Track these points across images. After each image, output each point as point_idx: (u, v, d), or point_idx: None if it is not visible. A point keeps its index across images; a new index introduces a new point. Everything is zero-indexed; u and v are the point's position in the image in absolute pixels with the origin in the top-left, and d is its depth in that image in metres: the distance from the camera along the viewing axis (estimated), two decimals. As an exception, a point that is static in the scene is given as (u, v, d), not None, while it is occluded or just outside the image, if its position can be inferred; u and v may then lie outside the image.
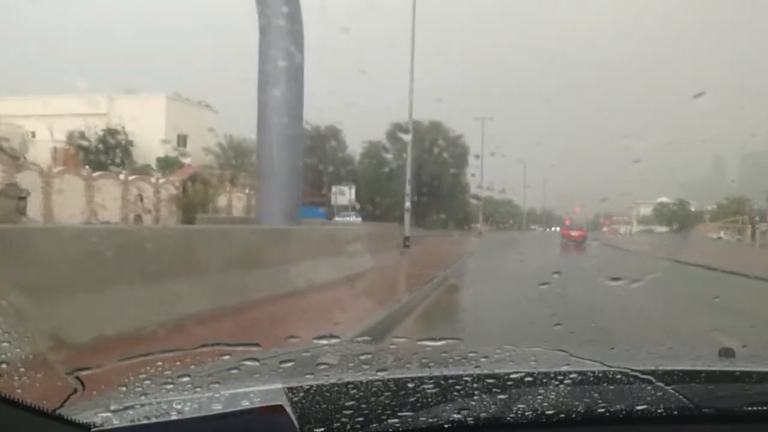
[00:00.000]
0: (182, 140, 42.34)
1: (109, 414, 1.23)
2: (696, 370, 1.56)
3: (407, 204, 25.69)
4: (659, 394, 1.38)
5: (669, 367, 1.51)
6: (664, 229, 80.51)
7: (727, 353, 1.77)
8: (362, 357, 1.71)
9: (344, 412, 1.26)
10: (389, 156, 50.54)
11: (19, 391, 1.33)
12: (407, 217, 25.06)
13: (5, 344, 2.13)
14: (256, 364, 1.66)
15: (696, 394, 1.38)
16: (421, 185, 49.80)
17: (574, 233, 36.47)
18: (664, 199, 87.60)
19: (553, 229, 76.24)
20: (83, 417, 1.19)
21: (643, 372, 1.43)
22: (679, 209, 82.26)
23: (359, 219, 37.30)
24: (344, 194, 38.66)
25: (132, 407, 1.27)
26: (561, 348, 1.72)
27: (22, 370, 1.53)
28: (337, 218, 36.36)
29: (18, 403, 1.02)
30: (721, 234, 59.43)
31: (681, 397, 1.37)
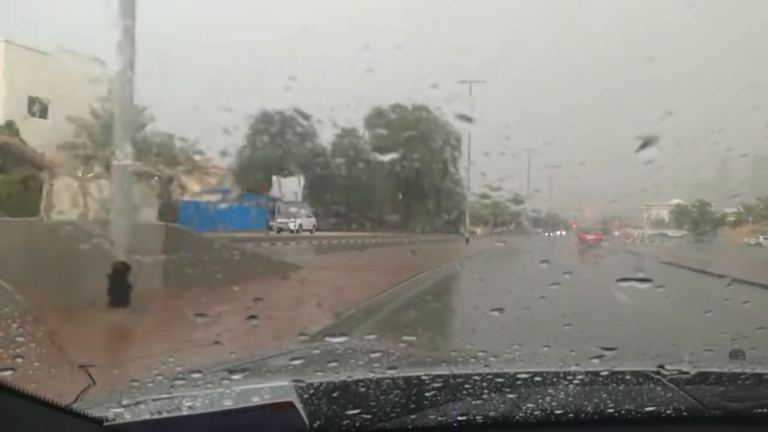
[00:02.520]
0: (40, 105, 28.38)
1: (120, 409, 1.24)
2: (705, 371, 1.54)
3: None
4: (668, 395, 1.37)
5: (678, 368, 1.50)
6: (680, 233, 72.96)
7: (736, 355, 1.76)
8: (372, 355, 1.74)
9: (354, 409, 1.26)
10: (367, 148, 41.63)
11: (33, 385, 1.29)
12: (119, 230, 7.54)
13: (20, 339, 2.15)
14: (267, 360, 1.73)
15: (705, 396, 1.38)
16: (403, 181, 40.68)
17: (590, 237, 40.51)
18: (680, 201, 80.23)
19: (559, 233, 67.69)
20: (95, 411, 1.20)
21: (652, 373, 1.44)
22: (699, 211, 74.07)
23: (312, 220, 28.23)
24: (290, 187, 29.21)
25: (143, 402, 1.28)
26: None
27: (36, 364, 1.59)
28: (278, 220, 26.38)
29: (32, 397, 1.03)
30: (760, 239, 52.03)
31: (690, 398, 1.36)
